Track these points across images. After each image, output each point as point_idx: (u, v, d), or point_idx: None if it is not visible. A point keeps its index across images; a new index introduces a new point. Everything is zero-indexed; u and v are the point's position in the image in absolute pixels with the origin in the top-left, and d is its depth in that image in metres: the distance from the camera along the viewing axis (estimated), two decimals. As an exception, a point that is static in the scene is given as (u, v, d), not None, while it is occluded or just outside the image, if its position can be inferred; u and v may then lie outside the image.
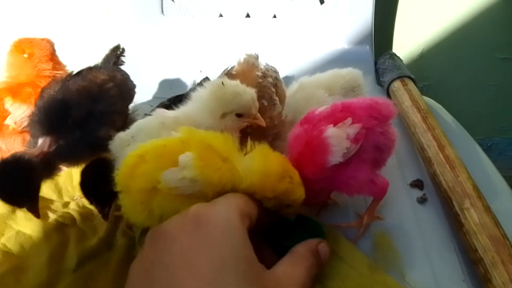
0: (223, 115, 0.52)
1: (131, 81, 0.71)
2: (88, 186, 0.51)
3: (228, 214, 0.37)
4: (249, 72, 0.61)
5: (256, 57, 0.63)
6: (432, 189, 0.58)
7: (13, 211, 0.57)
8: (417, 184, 0.60)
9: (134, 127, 0.53)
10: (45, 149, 0.52)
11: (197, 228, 0.36)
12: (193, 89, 0.73)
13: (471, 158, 0.63)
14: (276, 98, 0.60)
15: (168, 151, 0.43)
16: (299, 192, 0.45)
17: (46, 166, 0.54)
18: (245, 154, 0.45)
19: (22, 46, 0.73)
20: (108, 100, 0.59)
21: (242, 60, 0.62)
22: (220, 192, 0.42)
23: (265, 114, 0.57)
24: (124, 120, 0.62)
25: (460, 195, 0.51)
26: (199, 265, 0.33)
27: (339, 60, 0.92)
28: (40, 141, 0.53)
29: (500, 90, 1.23)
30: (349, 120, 0.47)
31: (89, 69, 0.65)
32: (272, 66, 0.65)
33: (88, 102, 0.56)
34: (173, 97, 0.71)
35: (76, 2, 1.19)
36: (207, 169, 0.41)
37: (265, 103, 0.57)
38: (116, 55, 0.73)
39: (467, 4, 1.07)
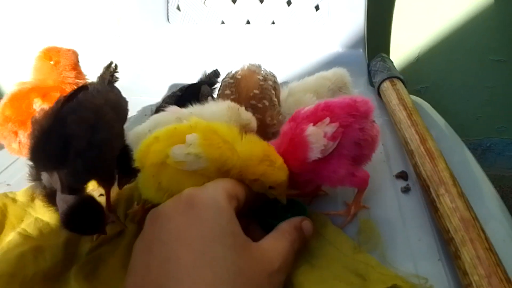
0: None
1: (124, 99, 0.71)
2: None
3: (216, 196, 0.42)
4: (251, 76, 0.67)
5: (259, 66, 0.69)
6: (415, 179, 0.63)
7: (32, 200, 0.63)
8: (402, 176, 0.64)
9: (151, 121, 0.58)
10: (60, 183, 0.53)
11: (189, 209, 0.41)
12: (203, 78, 0.80)
13: (457, 155, 0.68)
14: (275, 99, 0.66)
15: (178, 132, 0.49)
16: (279, 175, 0.49)
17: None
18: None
19: (50, 54, 0.79)
20: (106, 126, 0.58)
21: (245, 67, 0.68)
22: (221, 170, 0.47)
23: (266, 113, 0.63)
24: (121, 142, 0.62)
25: (437, 183, 0.55)
26: (191, 239, 0.38)
27: (334, 63, 0.95)
28: (46, 176, 0.53)
29: (495, 91, 1.26)
30: (327, 119, 0.51)
31: (81, 91, 0.62)
32: (270, 72, 0.71)
33: (87, 132, 0.55)
34: (184, 87, 0.75)
35: (89, 12, 1.26)
36: (210, 147, 0.47)
37: (266, 103, 0.63)
38: (110, 73, 0.72)
39: (461, 8, 1.11)
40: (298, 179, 0.52)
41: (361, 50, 0.99)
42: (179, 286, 0.35)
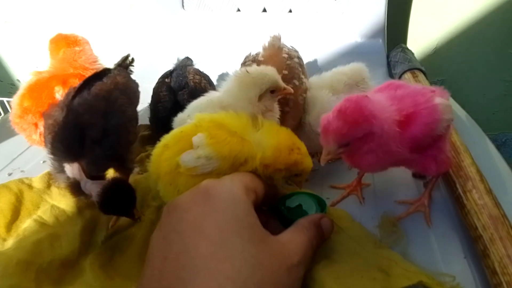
0: (260, 98, 0.56)
1: (133, 81, 0.71)
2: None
3: (233, 187, 0.41)
4: (276, 55, 0.65)
5: (279, 39, 0.66)
6: (437, 174, 0.61)
7: (48, 186, 0.62)
8: (424, 170, 0.63)
9: (189, 107, 0.59)
10: (82, 173, 0.54)
11: (206, 200, 0.40)
12: (179, 65, 0.78)
13: (480, 149, 0.66)
14: (303, 76, 0.65)
15: (184, 136, 0.48)
16: (307, 162, 0.48)
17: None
18: (258, 131, 0.49)
19: (69, 41, 0.78)
20: (119, 110, 0.59)
21: (267, 44, 0.66)
22: (235, 165, 0.46)
23: (297, 92, 0.62)
24: (135, 125, 0.64)
25: (464, 179, 0.53)
26: (208, 231, 0.37)
27: (353, 53, 0.94)
28: (69, 168, 0.54)
29: (513, 85, 1.23)
30: (448, 95, 0.49)
31: (91, 81, 0.62)
32: (292, 47, 0.69)
33: (101, 120, 0.56)
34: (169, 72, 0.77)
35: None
36: (218, 144, 0.46)
37: (297, 83, 0.62)
38: (126, 65, 0.72)
39: (481, 0, 1.08)
40: (400, 155, 0.47)
41: (380, 41, 0.96)
42: (197, 278, 0.34)
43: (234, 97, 0.56)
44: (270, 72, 0.56)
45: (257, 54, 0.67)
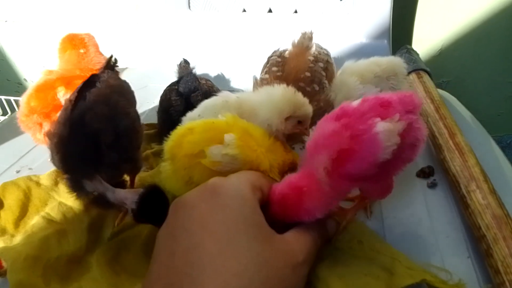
0: (288, 118, 0.55)
1: (124, 81, 0.67)
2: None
3: (239, 185, 0.42)
4: (302, 55, 0.64)
5: (310, 38, 0.65)
6: (442, 174, 0.61)
7: (56, 184, 0.63)
8: (428, 171, 0.62)
9: (201, 106, 0.59)
10: (106, 184, 0.51)
11: (213, 197, 0.41)
12: (179, 71, 0.77)
13: (485, 150, 0.66)
14: (326, 82, 0.63)
15: (215, 128, 0.50)
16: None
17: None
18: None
19: (74, 43, 0.79)
20: (122, 112, 0.57)
21: (296, 41, 0.65)
22: None
23: (314, 97, 0.61)
24: (140, 125, 0.62)
25: (467, 179, 0.54)
26: (215, 228, 0.38)
27: (358, 54, 0.94)
28: (87, 182, 0.51)
29: (519, 87, 1.22)
30: (397, 115, 0.44)
31: (85, 88, 0.57)
32: (324, 49, 0.68)
33: (109, 124, 0.54)
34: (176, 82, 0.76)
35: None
36: (246, 148, 0.48)
37: (316, 88, 0.61)
38: (111, 66, 0.69)
39: (486, 1, 1.07)
40: (345, 188, 0.46)
41: (385, 41, 0.97)
42: (204, 274, 0.35)
43: (266, 103, 0.56)
44: (310, 106, 0.56)
45: (284, 51, 0.66)
